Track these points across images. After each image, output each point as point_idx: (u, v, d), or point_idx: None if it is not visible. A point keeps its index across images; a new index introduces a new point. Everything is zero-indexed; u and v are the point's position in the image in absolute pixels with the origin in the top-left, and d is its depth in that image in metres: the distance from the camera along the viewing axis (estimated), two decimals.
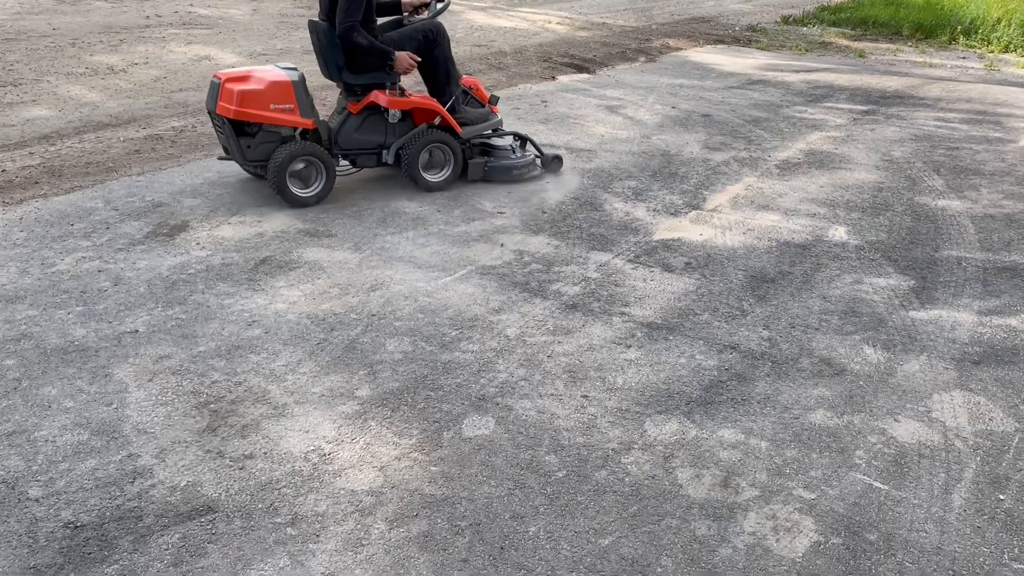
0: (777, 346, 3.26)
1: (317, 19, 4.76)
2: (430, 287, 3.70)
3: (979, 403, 2.88)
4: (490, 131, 5.13)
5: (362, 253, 4.03)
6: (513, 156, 5.14)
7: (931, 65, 9.71)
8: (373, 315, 3.43)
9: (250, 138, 4.46)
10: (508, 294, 3.66)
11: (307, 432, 2.66)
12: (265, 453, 2.56)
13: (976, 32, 11.92)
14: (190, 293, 3.56)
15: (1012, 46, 11.27)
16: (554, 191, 4.99)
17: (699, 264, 4.03)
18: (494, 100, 5.29)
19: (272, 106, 4.36)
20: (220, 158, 4.89)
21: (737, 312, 3.54)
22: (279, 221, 4.39)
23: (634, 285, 3.79)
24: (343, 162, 4.87)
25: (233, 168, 5.17)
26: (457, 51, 8.64)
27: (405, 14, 4.99)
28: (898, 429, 2.74)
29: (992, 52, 11.03)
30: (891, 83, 8.32)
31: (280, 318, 3.38)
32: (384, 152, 4.81)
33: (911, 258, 4.10)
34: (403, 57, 4.63)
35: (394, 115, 4.72)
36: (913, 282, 3.84)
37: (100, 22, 9.51)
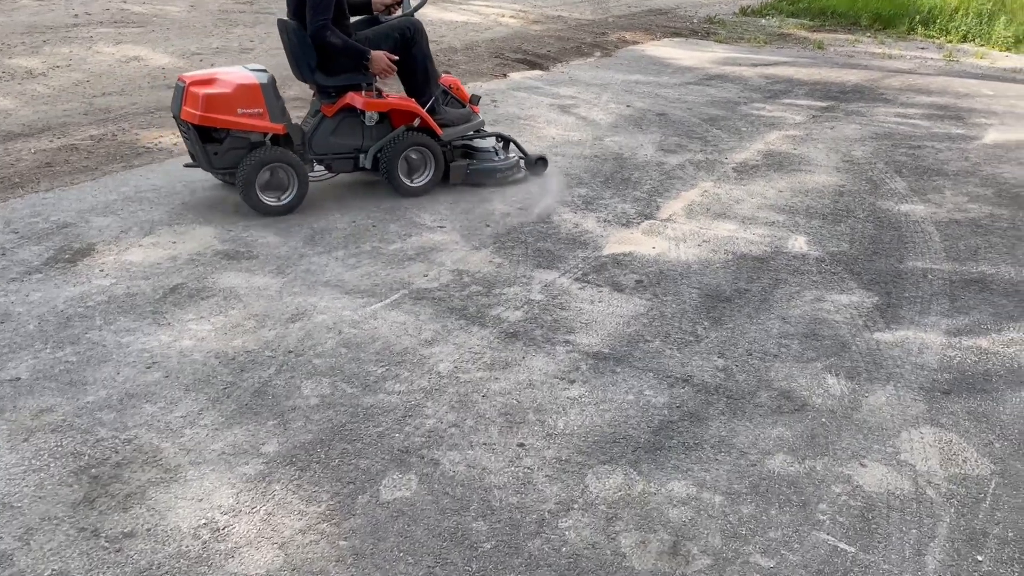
0: (733, 377, 2.99)
1: (286, 18, 4.48)
2: (357, 316, 3.37)
3: (951, 441, 2.64)
4: (472, 132, 4.89)
5: (285, 277, 3.69)
6: (496, 158, 4.92)
7: (890, 57, 9.55)
8: (290, 352, 3.09)
9: (217, 144, 4.22)
10: (443, 321, 3.35)
11: (200, 501, 2.33)
12: (148, 530, 2.22)
13: (934, 22, 11.82)
14: (86, 330, 3.19)
15: (970, 35, 11.18)
16: (500, 201, 4.68)
17: (651, 282, 3.75)
18: (475, 100, 5.02)
19: (240, 110, 4.13)
20: (186, 165, 4.61)
21: (691, 337, 3.26)
22: (196, 242, 4.02)
23: (581, 308, 3.50)
24: (318, 167, 4.64)
25: (153, 181, 4.78)
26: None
27: (376, 13, 4.73)
28: (865, 476, 2.49)
29: (951, 42, 10.93)
30: (850, 77, 8.13)
31: (184, 358, 3.03)
32: (361, 156, 4.58)
33: (874, 271, 3.86)
34: (380, 57, 4.38)
35: (371, 118, 4.51)
36: (877, 298, 3.59)
37: (24, 22, 8.97)
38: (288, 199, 4.38)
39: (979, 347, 3.20)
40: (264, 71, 4.34)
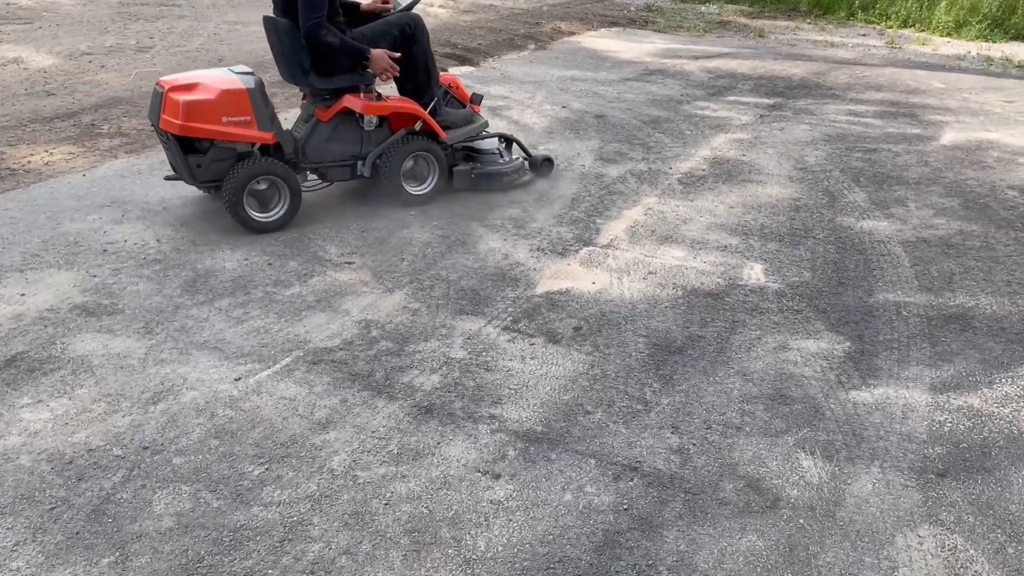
0: (691, 462, 2.49)
1: (273, 15, 4.10)
2: (237, 391, 2.77)
3: (955, 548, 2.17)
4: (476, 134, 4.59)
5: (152, 339, 3.06)
6: (501, 160, 4.61)
7: (832, 45, 9.21)
8: (145, 448, 2.48)
9: (200, 155, 3.87)
10: (343, 394, 2.77)
11: None
12: None
13: (874, 6, 11.56)
14: None
15: (911, 20, 10.94)
16: (419, 227, 4.10)
17: (591, 328, 3.23)
18: (477, 99, 4.69)
19: (225, 118, 3.78)
20: (167, 178, 4.23)
21: (638, 405, 2.75)
22: (51, 292, 3.35)
23: (510, 368, 2.96)
24: (311, 177, 4.29)
25: (11, 212, 4.08)
26: None
27: (366, 15, 4.36)
28: None
29: (891, 27, 10.67)
30: (795, 69, 7.73)
31: (8, 463, 2.40)
32: (359, 164, 4.26)
33: (842, 307, 3.41)
34: (380, 55, 4.03)
35: (370, 121, 4.18)
36: (849, 344, 3.13)
37: None
38: (279, 214, 4.03)
39: (971, 408, 2.76)
40: (251, 74, 3.94)
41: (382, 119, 4.24)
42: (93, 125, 5.50)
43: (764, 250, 3.92)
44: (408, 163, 4.32)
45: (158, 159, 4.92)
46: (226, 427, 2.59)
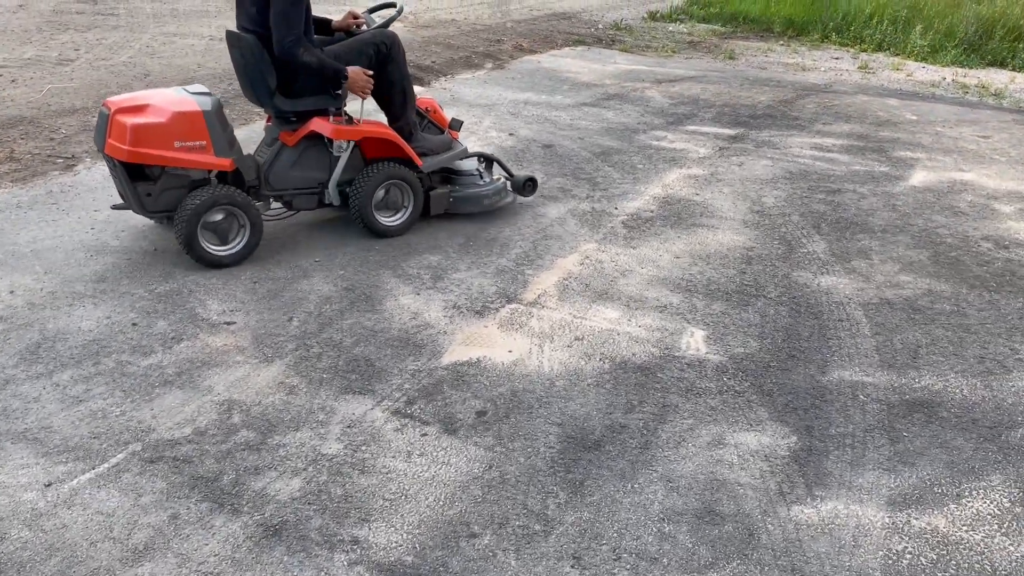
0: None
1: (237, 30, 3.78)
2: (45, 502, 2.26)
3: None
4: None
5: None
6: (481, 182, 4.30)
7: (804, 68, 8.84)
8: None
9: (151, 183, 3.53)
10: (176, 506, 2.27)
11: None
12: None
13: (848, 29, 11.23)
14: None
15: (885, 44, 10.61)
16: (322, 278, 3.61)
17: (497, 413, 2.74)
18: (456, 125, 4.40)
19: (177, 143, 3.45)
20: (114, 207, 3.85)
21: (537, 525, 2.27)
22: None
23: (390, 469, 2.46)
24: (274, 204, 4.00)
25: None
26: None
27: (334, 34, 4.11)
28: None
29: (865, 51, 10.33)
30: (762, 96, 7.32)
31: None
32: (327, 191, 3.95)
33: (791, 388, 2.95)
34: (358, 74, 3.78)
35: (340, 147, 3.87)
36: (795, 439, 2.67)
37: None
38: (237, 247, 3.68)
39: (935, 532, 2.29)
40: (207, 95, 3.62)
41: (354, 145, 3.91)
42: None
43: (708, 312, 3.46)
44: (380, 192, 3.98)
45: (44, 191, 4.41)
46: (14, 556, 2.08)
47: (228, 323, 3.22)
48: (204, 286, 3.49)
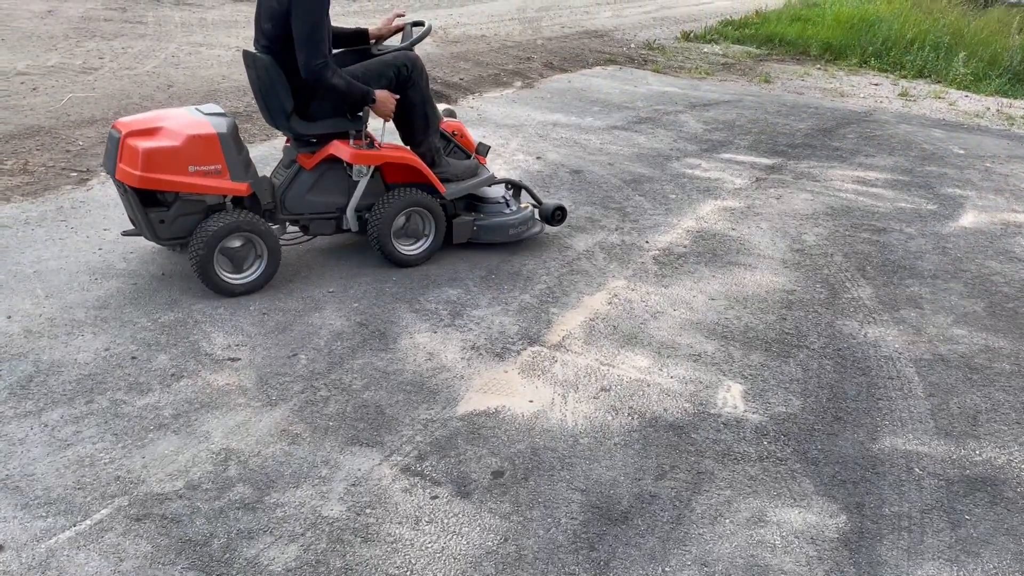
0: None
1: (254, 51, 3.64)
2: (18, 565, 2.06)
3: None
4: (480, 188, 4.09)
5: None
6: (508, 210, 4.10)
7: (842, 94, 8.56)
8: None
9: (164, 209, 3.38)
10: (158, 575, 2.06)
11: None
12: None
13: (888, 54, 10.93)
14: None
15: (926, 71, 10.30)
16: (334, 311, 3.41)
17: (515, 475, 2.52)
18: (483, 150, 4.24)
19: (192, 168, 3.29)
20: (125, 233, 3.64)
21: None
22: None
23: (395, 537, 2.24)
24: (291, 228, 3.86)
25: None
26: None
27: (372, 42, 3.98)
28: None
29: (905, 77, 10.03)
30: (800, 124, 7.06)
31: None
32: (345, 217, 3.79)
33: (838, 456, 2.69)
34: (386, 97, 3.65)
35: (359, 171, 3.71)
36: (844, 518, 2.41)
37: None
38: (254, 276, 3.52)
39: None
40: (222, 115, 3.48)
41: (375, 169, 3.75)
42: None
43: (746, 363, 3.21)
44: (400, 219, 3.81)
45: (54, 206, 4.26)
46: None
47: (232, 359, 3.02)
48: (211, 316, 3.30)
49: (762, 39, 11.87)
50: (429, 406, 2.84)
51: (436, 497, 2.41)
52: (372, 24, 4.04)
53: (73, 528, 2.19)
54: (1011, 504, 2.51)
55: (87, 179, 4.64)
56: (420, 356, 3.14)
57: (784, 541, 2.31)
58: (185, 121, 3.38)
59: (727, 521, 2.37)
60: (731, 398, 2.98)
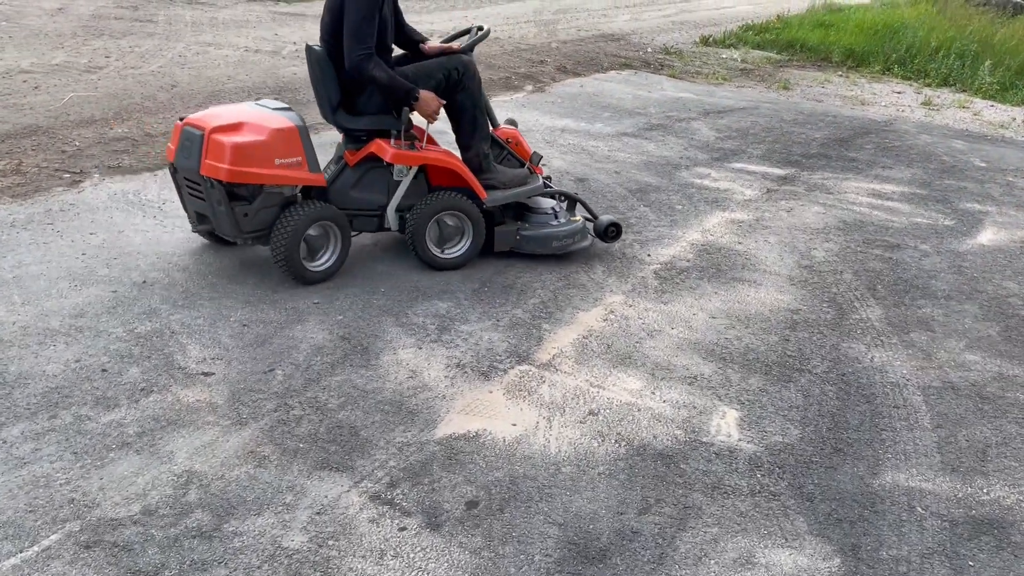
0: None
1: (316, 45, 3.74)
2: None
3: None
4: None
5: None
6: (554, 223, 4.00)
7: (863, 103, 8.35)
8: None
9: (246, 203, 3.46)
10: None
11: None
12: None
13: (912, 61, 10.68)
14: None
15: (951, 79, 10.05)
16: (317, 323, 3.29)
17: (491, 506, 2.38)
18: (536, 159, 4.18)
19: (278, 161, 3.41)
20: (196, 231, 3.77)
21: None
22: None
23: (356, 572, 2.11)
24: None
25: None
26: (302, 79, 6.88)
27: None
28: None
29: (929, 86, 9.78)
30: (816, 133, 6.87)
31: None
32: (386, 216, 3.84)
33: (836, 492, 2.53)
34: (430, 97, 3.65)
35: (400, 171, 3.75)
36: (838, 561, 2.26)
37: None
38: (329, 263, 3.66)
39: None
40: (289, 109, 3.62)
41: (420, 170, 3.78)
42: None
43: (743, 388, 3.05)
44: (436, 222, 3.82)
45: (43, 208, 4.18)
46: None
47: (206, 374, 2.92)
48: (189, 327, 3.20)
49: (783, 44, 11.65)
50: (406, 428, 2.72)
51: (404, 529, 2.28)
52: (434, 39, 4.11)
53: (19, 555, 2.09)
54: (1018, 549, 2.34)
55: (79, 181, 4.56)
56: (402, 374, 3.02)
57: None
58: (263, 116, 3.50)
59: (712, 562, 2.22)
60: (725, 425, 2.83)
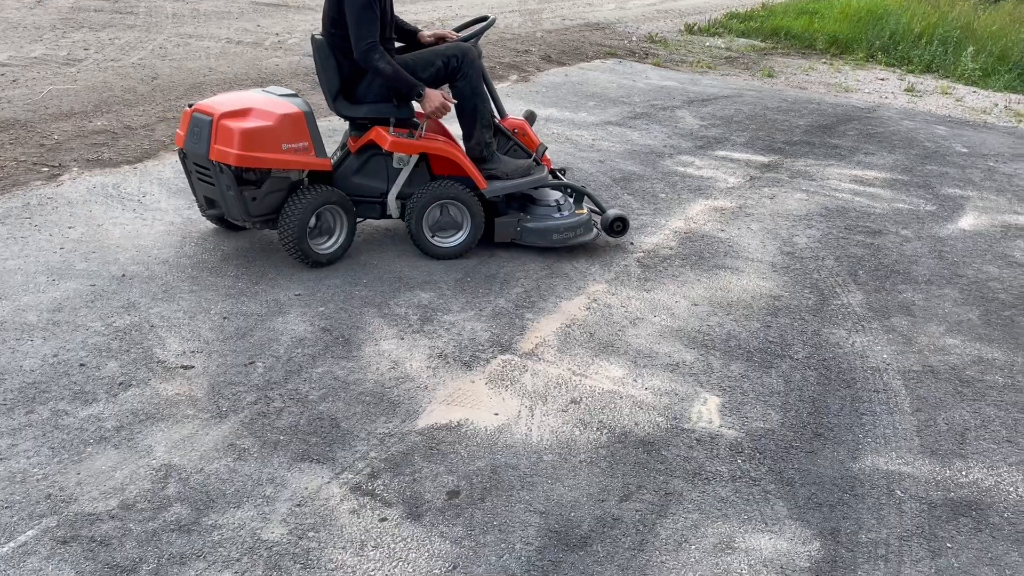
0: None
1: (319, 34, 3.81)
2: None
3: None
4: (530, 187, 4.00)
5: None
6: (557, 215, 3.98)
7: (847, 89, 8.38)
8: None
9: (254, 187, 3.52)
10: None
11: None
12: None
13: (895, 48, 10.71)
14: None
15: (934, 65, 10.09)
16: (298, 315, 3.28)
17: (472, 495, 2.38)
18: (542, 150, 4.14)
19: (285, 146, 3.48)
20: (206, 216, 3.88)
21: None
22: None
23: (336, 564, 2.11)
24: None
25: None
26: (285, 70, 6.82)
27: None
28: None
29: (912, 72, 9.82)
30: (800, 120, 6.88)
31: None
32: (387, 203, 3.88)
33: (815, 477, 2.54)
34: (435, 96, 3.67)
35: (400, 160, 3.79)
36: (817, 544, 2.27)
37: None
38: (336, 245, 3.72)
39: None
40: (296, 95, 3.68)
41: (421, 158, 3.80)
42: None
43: (725, 374, 3.06)
44: (434, 211, 3.82)
45: (20, 202, 4.13)
46: None
47: (185, 367, 2.90)
48: (168, 320, 3.17)
49: (767, 32, 11.66)
50: (388, 419, 2.71)
51: (385, 519, 2.27)
52: (428, 30, 4.07)
53: None
54: (996, 531, 2.35)
55: (58, 175, 4.52)
56: (384, 364, 3.01)
57: (752, 570, 2.16)
58: (271, 102, 3.55)
59: (692, 548, 2.23)
60: (707, 412, 2.83)
